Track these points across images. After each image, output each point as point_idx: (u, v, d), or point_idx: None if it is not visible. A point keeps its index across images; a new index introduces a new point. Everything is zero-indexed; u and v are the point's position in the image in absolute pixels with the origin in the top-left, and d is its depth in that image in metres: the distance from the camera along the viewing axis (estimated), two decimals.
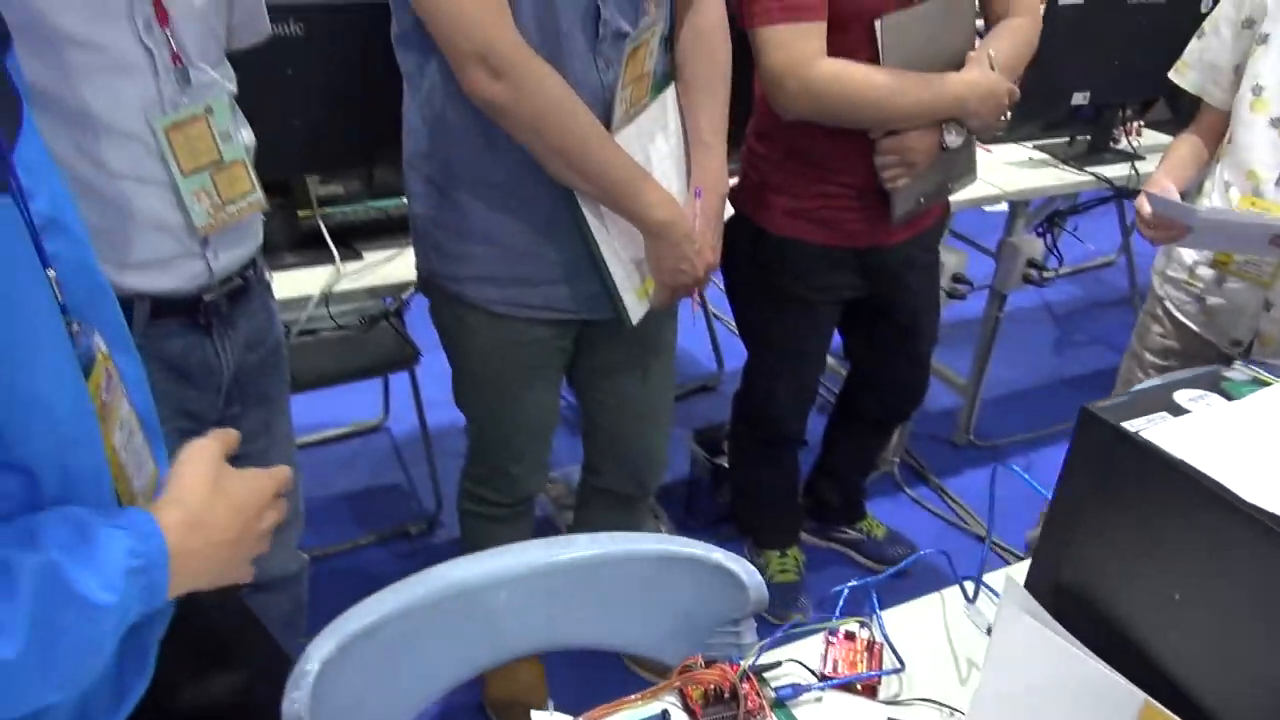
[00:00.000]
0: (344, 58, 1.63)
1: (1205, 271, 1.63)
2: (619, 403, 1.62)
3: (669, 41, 1.44)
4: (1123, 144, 2.59)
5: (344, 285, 1.69)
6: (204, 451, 0.73)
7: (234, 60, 1.29)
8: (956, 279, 2.39)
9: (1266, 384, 0.77)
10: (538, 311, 1.42)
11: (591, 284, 1.39)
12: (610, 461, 1.71)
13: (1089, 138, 2.55)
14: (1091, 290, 3.71)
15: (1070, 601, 0.76)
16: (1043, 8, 1.76)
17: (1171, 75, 1.71)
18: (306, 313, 1.64)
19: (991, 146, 2.60)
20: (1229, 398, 0.76)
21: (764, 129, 1.70)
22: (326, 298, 1.66)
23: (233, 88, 1.19)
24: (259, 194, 1.21)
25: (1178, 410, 0.74)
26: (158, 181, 1.09)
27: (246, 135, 1.24)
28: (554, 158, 1.27)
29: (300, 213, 1.76)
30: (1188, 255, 1.67)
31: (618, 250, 1.37)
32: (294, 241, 1.75)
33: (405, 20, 1.27)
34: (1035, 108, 2.53)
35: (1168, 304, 1.71)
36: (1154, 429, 0.71)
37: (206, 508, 0.70)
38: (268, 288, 1.35)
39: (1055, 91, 2.42)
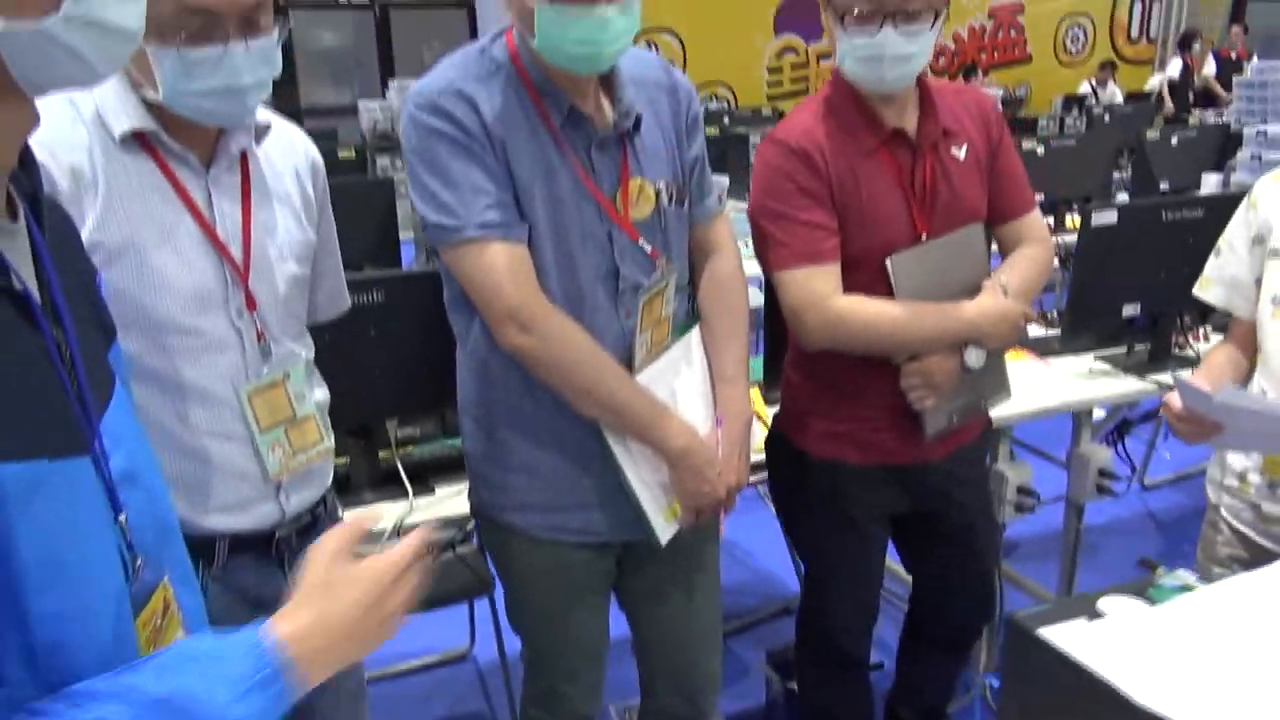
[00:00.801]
0: (417, 319, 1.87)
1: (1256, 478, 1.63)
2: (666, 622, 1.68)
3: (692, 287, 1.62)
4: (1187, 350, 2.60)
5: (415, 518, 1.85)
6: (319, 549, 0.79)
7: (325, 325, 1.53)
8: (1022, 491, 2.39)
9: (1191, 589, 0.81)
10: (577, 536, 1.53)
11: (625, 509, 1.51)
12: (663, 680, 1.76)
13: (1148, 346, 2.59)
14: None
15: None
16: (1064, 235, 1.87)
17: (1196, 292, 1.76)
18: (380, 545, 1.79)
19: (1050, 359, 2.66)
20: (1152, 603, 0.80)
21: (797, 360, 1.83)
22: (399, 530, 1.81)
23: (309, 354, 1.40)
24: (326, 443, 1.39)
25: (1094, 615, 0.78)
26: (239, 438, 1.29)
27: (321, 393, 1.44)
28: (580, 397, 1.43)
29: (381, 453, 1.96)
30: (1238, 461, 1.67)
31: (644, 476, 1.49)
32: (374, 480, 1.94)
33: (454, 287, 1.48)
34: (1088, 321, 2.61)
35: (1224, 512, 1.69)
36: (1067, 633, 0.75)
37: (324, 607, 0.74)
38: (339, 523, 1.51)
39: (1105, 306, 2.50)
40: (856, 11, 1.54)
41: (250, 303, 1.28)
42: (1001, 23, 11.87)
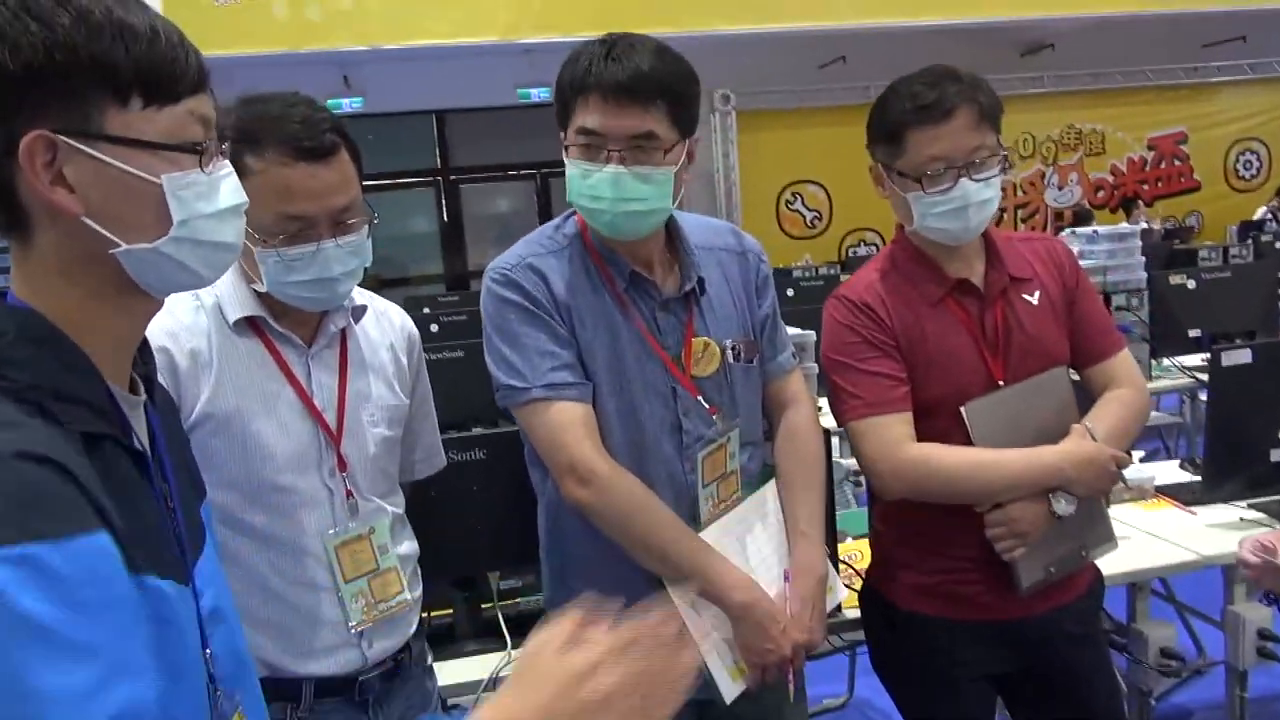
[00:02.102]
0: (517, 475, 1.96)
1: None
2: None
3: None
4: None
5: (511, 670, 1.89)
6: (534, 640, 0.80)
7: (432, 479, 1.65)
8: (1166, 654, 2.22)
9: None
10: None
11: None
12: None
13: None
14: None
15: None
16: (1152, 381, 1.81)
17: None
18: (477, 696, 1.85)
19: (1196, 509, 2.49)
20: None
21: (881, 510, 1.82)
22: (494, 681, 1.87)
23: (398, 510, 1.52)
24: (406, 595, 1.48)
25: None
26: (325, 587, 1.40)
27: (408, 546, 1.54)
28: (638, 549, 1.48)
29: (484, 605, 2.04)
30: None
31: (708, 632, 1.50)
32: (476, 630, 2.01)
33: (530, 445, 1.58)
34: (1232, 467, 2.44)
35: None
36: None
37: (526, 692, 0.74)
38: (427, 672, 1.59)
39: (1249, 451, 2.35)
40: (930, 172, 1.60)
41: (341, 464, 1.42)
42: (1163, 153, 11.53)
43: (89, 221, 0.77)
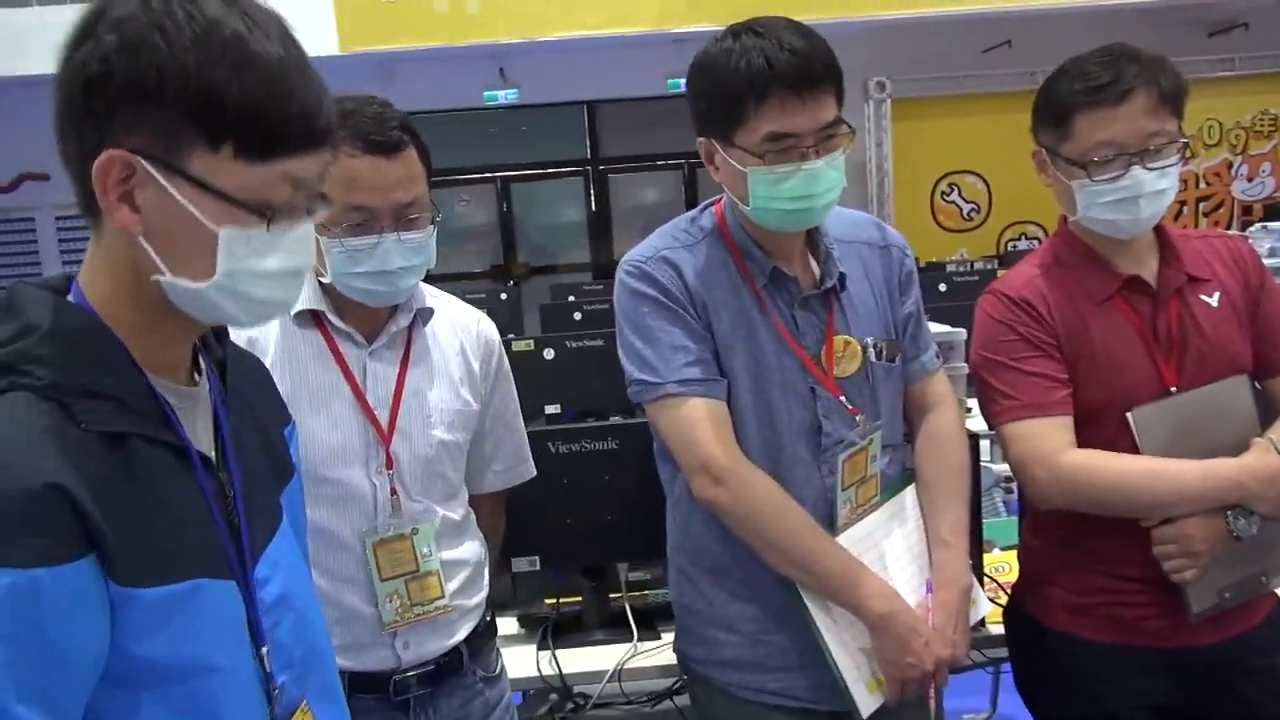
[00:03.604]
0: (650, 465, 1.94)
1: None
2: None
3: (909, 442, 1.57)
4: None
5: (636, 662, 1.88)
6: None
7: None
8: None
9: None
10: (776, 699, 1.49)
11: (828, 674, 1.45)
12: None
13: None
14: None
15: None
16: None
17: None
18: (600, 686, 1.84)
19: None
20: None
21: (1034, 522, 1.70)
22: (619, 673, 1.86)
23: (454, 515, 1.49)
24: (446, 600, 1.46)
25: None
26: (359, 582, 1.40)
27: (468, 551, 1.52)
28: (772, 552, 1.42)
29: (611, 595, 2.03)
30: None
31: (845, 641, 1.43)
32: (604, 620, 2.00)
33: (660, 441, 1.55)
34: None
35: None
36: None
37: None
38: (490, 681, 1.55)
39: None
40: (1098, 158, 1.48)
41: (389, 462, 1.42)
42: None
43: (144, 243, 0.78)
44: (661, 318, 1.46)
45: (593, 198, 10.80)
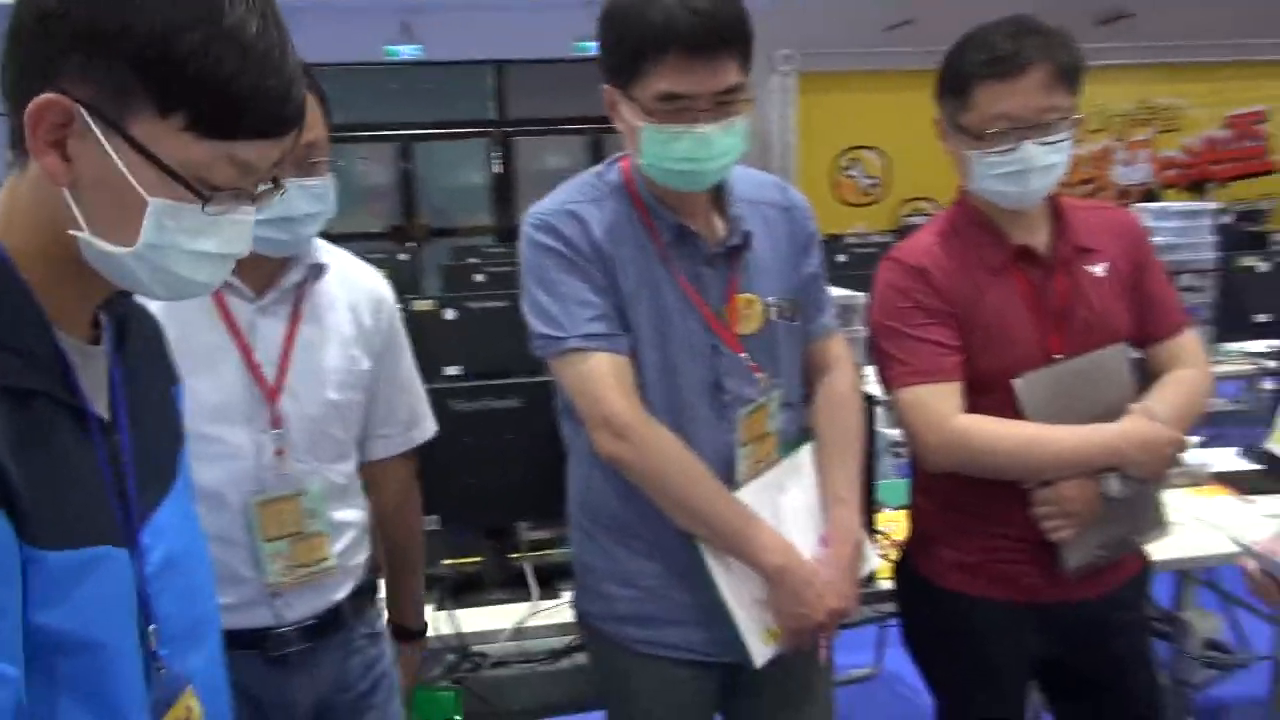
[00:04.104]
0: (554, 424, 1.93)
1: None
2: None
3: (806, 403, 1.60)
4: None
5: (536, 621, 1.88)
6: None
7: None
8: (1211, 645, 2.14)
9: None
10: (676, 652, 1.51)
11: (725, 628, 1.48)
12: None
13: None
14: None
15: None
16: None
17: (1268, 445, 1.60)
18: (498, 645, 1.84)
19: (1255, 498, 2.40)
20: None
21: (922, 484, 1.75)
22: (519, 631, 1.86)
23: (340, 478, 1.45)
24: (332, 562, 1.43)
25: None
26: (240, 544, 1.35)
27: (352, 514, 1.48)
28: (673, 507, 1.44)
29: (512, 555, 2.03)
30: None
31: (741, 593, 1.46)
32: (503, 580, 2.00)
33: (564, 397, 1.54)
34: None
35: None
36: None
37: None
38: (373, 639, 1.53)
39: None
40: (991, 131, 1.52)
41: (276, 421, 1.37)
42: (1240, 133, 11.11)
43: (66, 194, 0.73)
44: (566, 272, 1.45)
45: (498, 160, 10.64)
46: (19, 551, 0.68)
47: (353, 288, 1.49)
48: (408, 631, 1.67)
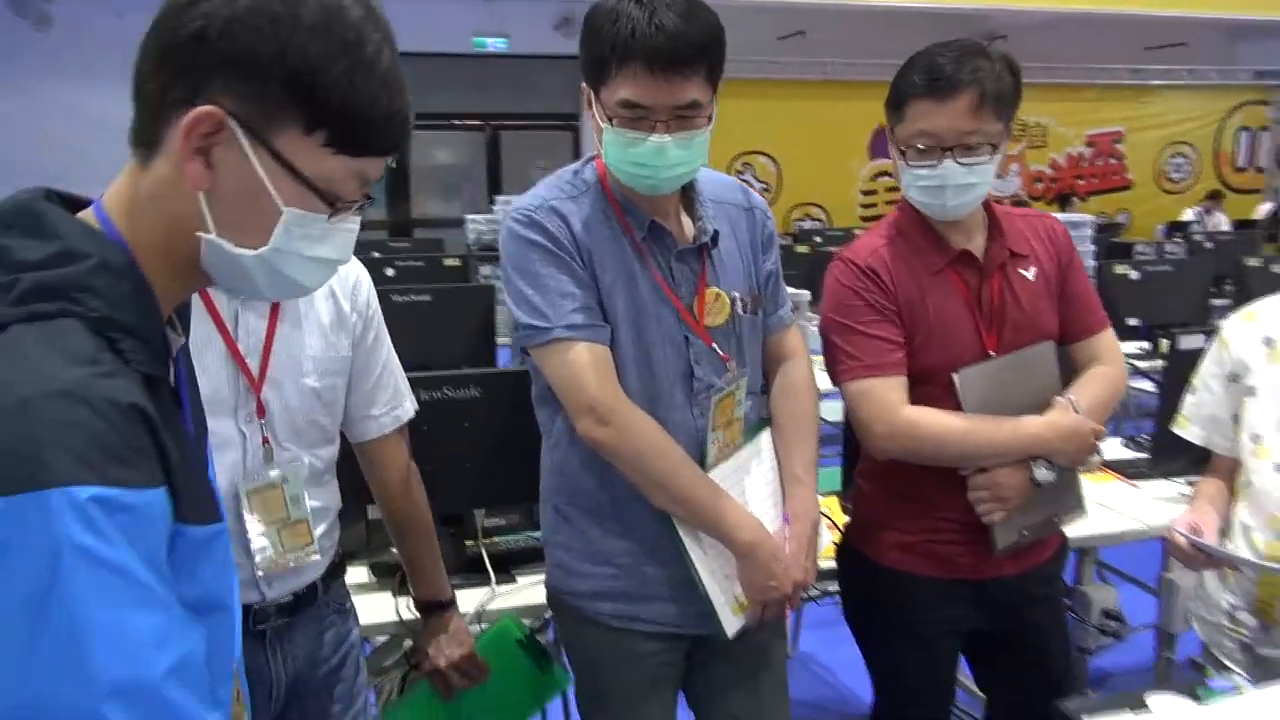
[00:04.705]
0: (509, 415, 1.99)
1: (1248, 618, 1.61)
2: (733, 718, 1.71)
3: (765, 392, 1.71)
4: None
5: (496, 604, 1.93)
6: None
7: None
8: (1107, 614, 2.35)
9: (1242, 692, 0.83)
10: (647, 626, 1.59)
11: (695, 602, 1.56)
12: None
13: None
14: None
15: None
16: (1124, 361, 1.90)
17: (1175, 429, 1.83)
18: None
19: (1139, 483, 2.63)
20: (1199, 702, 0.83)
21: (868, 470, 1.88)
22: (480, 615, 1.90)
23: (319, 463, 1.49)
24: (315, 547, 1.47)
25: (1141, 709, 0.82)
26: (230, 531, 1.38)
27: (327, 499, 1.52)
28: (652, 488, 1.51)
29: (468, 541, 2.06)
30: (1225, 599, 1.66)
31: (713, 569, 1.55)
32: (460, 566, 2.03)
33: (540, 384, 1.60)
34: (1175, 447, 2.57)
35: (1215, 652, 1.67)
36: None
37: None
38: (344, 614, 1.58)
39: None
40: (919, 146, 1.64)
41: (260, 410, 1.41)
42: (1100, 151, 11.89)
43: (202, 199, 0.77)
44: (550, 265, 1.51)
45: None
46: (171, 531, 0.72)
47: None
48: (439, 604, 1.70)
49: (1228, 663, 1.63)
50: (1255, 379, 1.66)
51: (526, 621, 1.95)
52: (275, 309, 1.43)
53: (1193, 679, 0.86)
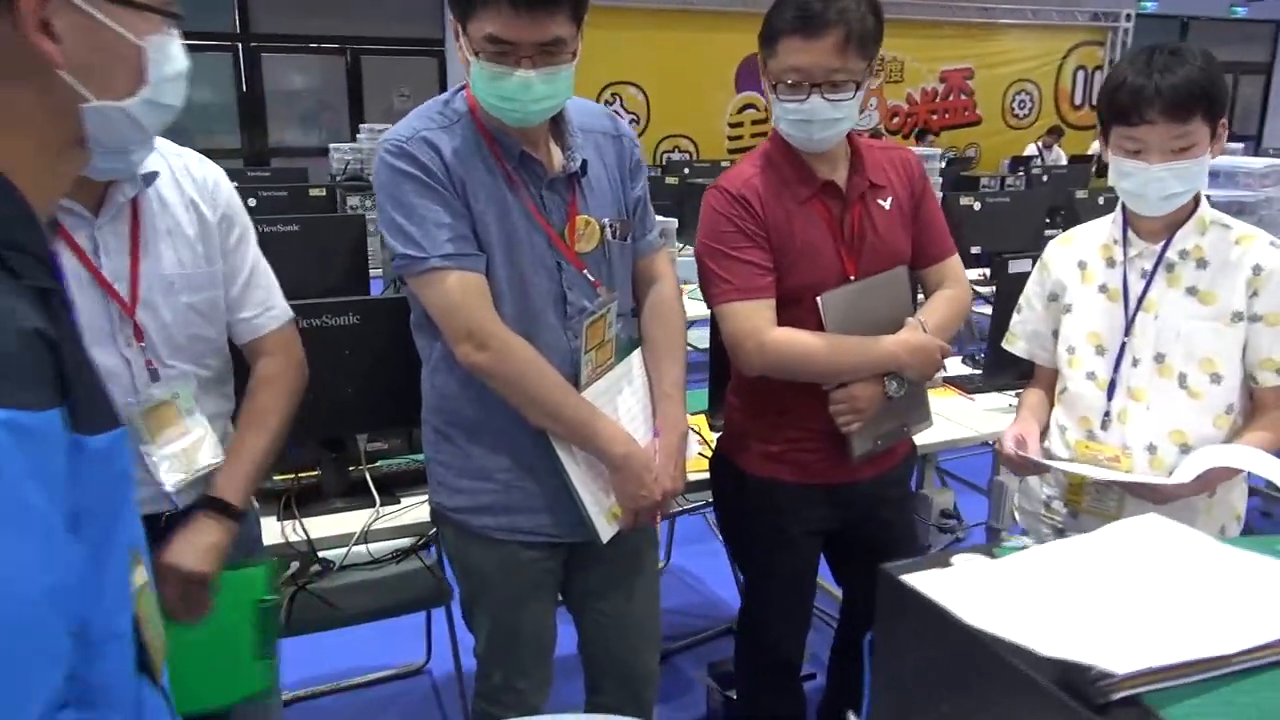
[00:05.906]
0: (388, 341, 2.02)
1: (1060, 507, 1.84)
2: (608, 621, 1.83)
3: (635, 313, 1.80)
4: None
5: (381, 524, 1.99)
6: None
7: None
8: (945, 514, 2.58)
9: (1028, 548, 0.99)
10: (528, 536, 1.69)
11: (571, 512, 1.66)
12: (607, 679, 1.90)
13: None
14: None
15: None
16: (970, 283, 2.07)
17: (1004, 345, 2.03)
18: (348, 549, 1.93)
19: (975, 396, 2.87)
20: (993, 558, 0.98)
21: (737, 386, 2.00)
22: (365, 535, 1.95)
23: (208, 372, 1.52)
24: (217, 459, 1.50)
25: (946, 565, 0.97)
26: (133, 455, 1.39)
27: (219, 405, 1.55)
28: (530, 408, 1.59)
29: (351, 466, 2.10)
30: (1042, 490, 1.88)
31: (587, 481, 1.65)
32: (344, 490, 2.07)
33: (418, 310, 1.65)
34: (1007, 361, 2.81)
35: (1033, 538, 1.88)
36: (922, 578, 0.93)
37: None
38: (245, 515, 1.57)
39: None
40: (789, 81, 1.74)
41: (138, 334, 1.42)
42: (952, 87, 12.37)
43: (65, 75, 0.76)
44: (424, 195, 1.54)
45: (243, 78, 9.97)
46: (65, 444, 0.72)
47: (187, 183, 1.49)
48: (221, 505, 1.48)
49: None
50: (1071, 297, 1.86)
51: (410, 540, 2.01)
52: (136, 230, 1.42)
53: (992, 544, 1.02)
